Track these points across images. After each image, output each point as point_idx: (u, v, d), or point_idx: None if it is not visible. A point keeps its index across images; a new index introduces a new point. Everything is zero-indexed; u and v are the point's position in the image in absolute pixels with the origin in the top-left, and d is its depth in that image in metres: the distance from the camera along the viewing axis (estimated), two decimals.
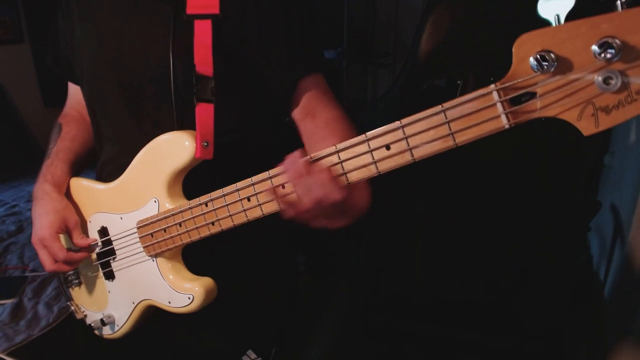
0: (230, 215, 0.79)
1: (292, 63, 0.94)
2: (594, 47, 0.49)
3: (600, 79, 0.50)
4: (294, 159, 0.69)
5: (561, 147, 1.54)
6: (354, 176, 0.68)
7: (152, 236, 0.89)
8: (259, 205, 0.76)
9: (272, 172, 0.73)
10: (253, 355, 1.00)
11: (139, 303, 0.94)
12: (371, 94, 3.72)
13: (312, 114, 0.96)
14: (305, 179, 0.68)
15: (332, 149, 0.68)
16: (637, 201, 1.44)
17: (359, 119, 3.21)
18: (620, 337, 1.38)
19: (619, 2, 0.48)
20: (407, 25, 3.35)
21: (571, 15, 0.52)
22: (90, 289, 1.03)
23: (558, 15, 0.52)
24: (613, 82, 0.49)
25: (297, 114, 0.98)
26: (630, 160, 1.71)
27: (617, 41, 0.48)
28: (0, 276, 1.92)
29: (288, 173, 0.70)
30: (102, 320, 0.98)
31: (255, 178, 0.75)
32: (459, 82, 1.62)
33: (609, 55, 0.48)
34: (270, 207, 0.75)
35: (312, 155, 0.70)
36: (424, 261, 1.82)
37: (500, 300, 1.75)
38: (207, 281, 0.88)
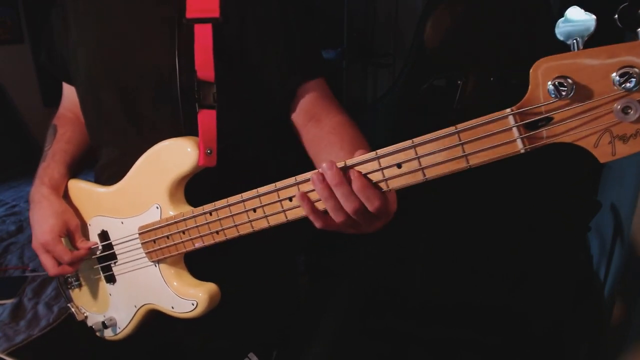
0: (236, 226, 0.78)
1: (292, 68, 0.93)
2: (614, 76, 0.49)
3: (619, 107, 0.50)
4: (326, 169, 0.64)
5: (561, 147, 1.53)
6: (393, 184, 0.64)
7: (154, 242, 0.88)
8: (265, 217, 0.74)
9: (299, 177, 0.69)
10: (255, 358, 0.99)
11: (141, 307, 0.94)
12: (371, 94, 3.72)
13: (316, 119, 0.94)
14: (341, 188, 0.64)
15: (372, 154, 0.64)
16: (637, 201, 1.44)
17: (359, 119, 3.21)
18: (621, 337, 1.38)
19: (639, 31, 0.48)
20: (407, 25, 3.35)
21: (590, 42, 0.51)
22: (91, 291, 1.02)
23: (577, 41, 0.51)
24: (632, 112, 0.49)
25: (298, 118, 0.96)
26: (630, 160, 1.71)
27: (637, 70, 0.48)
28: (0, 276, 1.92)
29: (319, 184, 0.65)
30: (103, 322, 0.97)
31: (262, 189, 0.73)
32: (459, 82, 1.62)
33: (629, 85, 0.48)
34: (277, 219, 0.73)
35: (346, 161, 0.65)
36: (424, 261, 1.82)
37: (501, 300, 1.75)
38: (211, 287, 0.87)
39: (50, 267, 0.92)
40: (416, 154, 0.62)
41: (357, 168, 0.65)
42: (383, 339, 1.87)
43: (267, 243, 1.01)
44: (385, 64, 3.43)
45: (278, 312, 1.07)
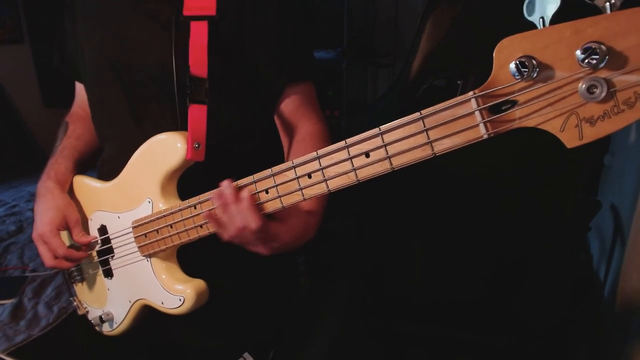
0: None
1: (281, 69, 0.94)
2: (578, 53, 0.45)
3: (584, 87, 0.46)
4: (223, 187, 0.73)
5: (561, 146, 1.53)
6: (269, 206, 0.72)
7: (145, 236, 0.89)
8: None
9: (211, 193, 0.76)
10: (250, 358, 1.00)
11: (135, 302, 0.95)
12: (371, 94, 3.71)
13: (294, 124, 0.97)
14: (230, 207, 0.73)
15: (268, 171, 0.71)
16: (637, 201, 1.44)
17: (359, 119, 3.21)
18: (620, 337, 1.38)
19: (607, 4, 0.44)
20: (407, 25, 3.35)
21: (557, 18, 0.48)
22: (92, 285, 1.04)
23: (543, 18, 0.48)
24: (597, 90, 0.45)
25: (279, 120, 0.99)
26: (630, 160, 1.71)
27: (603, 47, 0.44)
28: (0, 276, 1.92)
29: (216, 201, 0.74)
30: (100, 317, 0.98)
31: (241, 181, 0.76)
32: (459, 82, 1.62)
33: (593, 62, 0.44)
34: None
35: (237, 182, 0.73)
36: (423, 262, 1.82)
37: (500, 300, 1.75)
38: (199, 283, 0.87)
39: (47, 258, 0.94)
40: (383, 142, 0.60)
41: (256, 184, 0.72)
42: (381, 339, 1.87)
43: None
44: (385, 64, 3.42)
45: (276, 312, 1.08)
